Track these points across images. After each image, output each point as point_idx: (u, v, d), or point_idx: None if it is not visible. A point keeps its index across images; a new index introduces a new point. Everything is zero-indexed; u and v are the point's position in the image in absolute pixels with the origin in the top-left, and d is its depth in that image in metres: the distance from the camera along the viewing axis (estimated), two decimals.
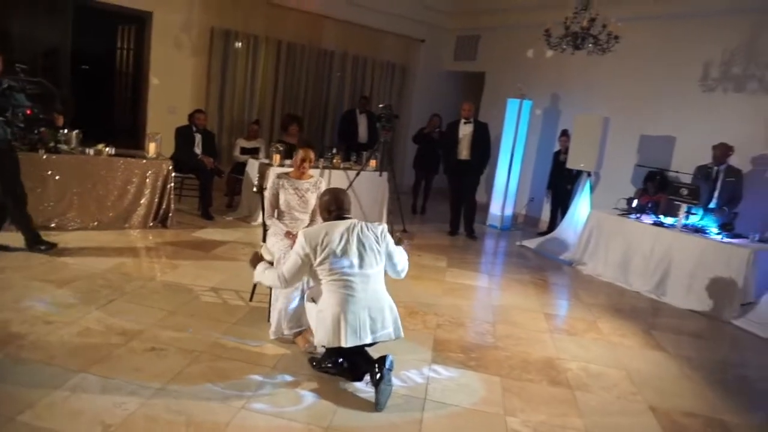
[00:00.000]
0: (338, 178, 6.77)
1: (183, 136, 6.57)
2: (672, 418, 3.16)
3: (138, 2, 7.37)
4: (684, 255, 5.51)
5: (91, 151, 5.39)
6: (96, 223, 5.36)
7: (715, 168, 5.96)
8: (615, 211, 6.42)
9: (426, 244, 6.64)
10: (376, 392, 2.82)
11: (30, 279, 3.93)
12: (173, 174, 5.80)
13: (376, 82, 9.82)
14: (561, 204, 7.81)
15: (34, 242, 4.49)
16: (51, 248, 4.52)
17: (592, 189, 7.19)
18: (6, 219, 4.56)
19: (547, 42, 6.36)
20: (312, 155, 3.91)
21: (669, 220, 5.90)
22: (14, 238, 4.53)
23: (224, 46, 8.05)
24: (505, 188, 8.24)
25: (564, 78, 8.44)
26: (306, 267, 2.93)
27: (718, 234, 5.47)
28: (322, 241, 2.86)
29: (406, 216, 7.46)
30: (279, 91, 8.72)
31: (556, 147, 8.12)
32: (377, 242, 2.98)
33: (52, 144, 5.12)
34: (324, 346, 3.01)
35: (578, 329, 4.45)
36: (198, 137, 6.63)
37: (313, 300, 3.04)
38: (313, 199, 3.87)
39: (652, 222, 5.95)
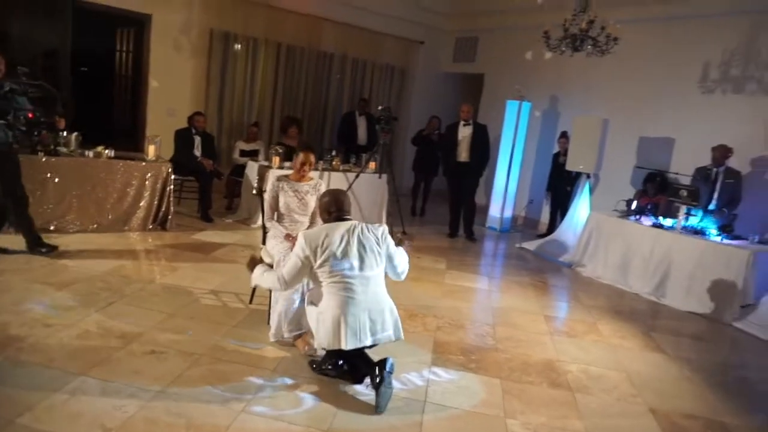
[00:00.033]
0: (338, 180, 6.77)
1: (182, 138, 6.57)
2: (672, 420, 3.16)
3: (137, 4, 7.37)
4: (683, 257, 5.51)
5: (91, 154, 5.38)
6: (95, 226, 5.36)
7: (715, 169, 5.97)
8: (614, 213, 6.42)
9: (425, 246, 6.64)
10: (377, 395, 2.81)
11: (29, 281, 3.92)
12: (173, 176, 5.79)
13: (376, 85, 9.82)
14: (560, 206, 7.82)
15: (35, 245, 4.49)
16: (52, 251, 4.52)
17: (591, 191, 7.19)
18: (6, 221, 4.56)
19: (546, 44, 6.37)
20: (312, 159, 3.91)
21: (668, 222, 5.90)
22: (14, 240, 4.53)
23: (224, 49, 8.06)
24: (505, 190, 8.24)
25: (563, 80, 8.45)
26: (306, 269, 2.92)
27: (718, 235, 5.47)
28: (323, 243, 2.85)
29: (405, 218, 7.46)
30: (278, 94, 8.73)
31: (556, 149, 8.12)
32: (378, 244, 2.97)
33: (51, 146, 5.12)
34: (324, 349, 3.01)
35: (578, 331, 4.45)
36: (197, 139, 6.63)
37: (313, 303, 3.04)
38: (312, 202, 3.87)
39: (651, 224, 5.95)
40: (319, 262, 2.86)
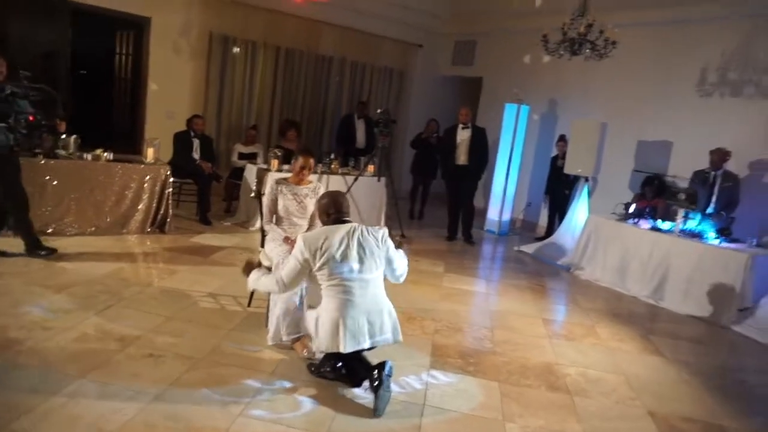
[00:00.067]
0: (336, 184, 6.77)
1: (181, 141, 6.57)
2: (671, 423, 3.16)
3: (136, 7, 7.38)
4: (682, 260, 5.51)
5: (89, 156, 5.38)
6: (94, 229, 5.35)
7: (713, 173, 5.98)
8: (613, 216, 6.43)
9: (424, 249, 6.64)
10: (375, 398, 2.81)
11: (28, 284, 3.92)
12: (171, 179, 5.79)
13: (374, 88, 9.83)
14: (559, 209, 7.83)
15: (35, 247, 4.49)
16: (51, 253, 4.51)
17: (589, 194, 7.20)
18: (5, 224, 4.56)
19: (544, 47, 6.39)
20: (312, 163, 3.91)
21: (666, 225, 5.91)
22: (12, 243, 4.52)
23: (223, 52, 8.07)
24: (503, 193, 8.25)
25: (561, 83, 8.46)
26: (305, 272, 2.92)
27: (716, 239, 5.48)
28: (322, 246, 2.85)
29: (404, 221, 7.46)
30: (277, 97, 8.73)
31: (554, 152, 8.14)
32: (377, 246, 2.97)
33: (50, 149, 5.12)
34: (322, 352, 3.00)
35: (576, 334, 4.45)
36: (196, 142, 6.64)
37: (311, 305, 3.04)
38: (311, 205, 3.86)
39: (649, 227, 5.96)
40: (318, 264, 2.86)
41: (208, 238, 5.84)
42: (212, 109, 8.14)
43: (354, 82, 9.58)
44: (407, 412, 2.91)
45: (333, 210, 3.05)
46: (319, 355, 3.12)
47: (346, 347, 2.80)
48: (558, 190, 7.84)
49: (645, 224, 6.04)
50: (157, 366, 3.01)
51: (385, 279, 3.10)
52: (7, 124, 4.10)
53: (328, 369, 3.06)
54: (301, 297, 3.35)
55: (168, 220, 5.75)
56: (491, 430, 2.85)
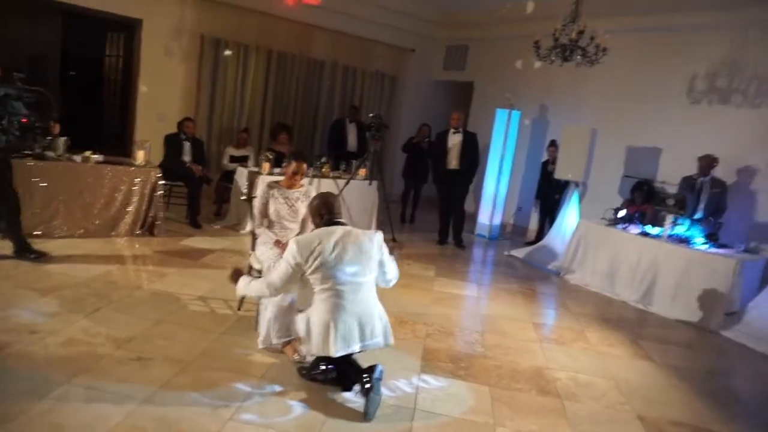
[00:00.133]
0: (328, 187, 6.73)
1: (172, 143, 6.53)
2: (660, 428, 3.18)
3: (128, 9, 7.34)
4: (670, 265, 5.56)
5: (79, 158, 5.34)
6: (82, 231, 5.30)
7: (700, 179, 6.04)
8: (602, 221, 6.47)
9: (415, 253, 6.64)
10: (366, 402, 2.80)
11: (15, 287, 3.87)
12: (161, 182, 5.75)
13: (366, 92, 9.84)
14: (549, 214, 7.87)
15: (24, 250, 4.44)
16: (40, 257, 4.46)
17: (579, 199, 7.25)
18: None
19: (536, 53, 6.43)
20: (305, 168, 3.91)
21: (655, 230, 5.96)
22: (0, 245, 4.47)
23: (214, 54, 8.04)
24: (494, 198, 8.29)
25: (552, 89, 8.52)
26: (296, 276, 2.90)
27: (704, 244, 5.53)
28: (314, 250, 2.83)
29: (395, 225, 7.46)
30: (269, 100, 8.72)
31: (544, 157, 8.18)
32: (372, 250, 2.95)
33: (38, 150, 5.08)
34: (313, 355, 2.99)
35: (566, 339, 4.47)
36: (187, 145, 6.60)
37: (302, 308, 3.03)
38: (303, 208, 3.85)
39: (638, 232, 6.01)
40: (311, 268, 2.84)
41: (198, 241, 5.80)
42: (203, 112, 8.11)
43: (346, 86, 9.58)
44: (398, 416, 2.90)
45: (325, 211, 3.03)
46: (310, 359, 3.11)
47: (336, 350, 2.79)
48: (548, 195, 7.88)
49: (634, 229, 6.08)
50: (146, 369, 2.98)
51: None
52: (0, 126, 4.07)
53: (318, 372, 3.05)
54: (293, 299, 3.33)
55: (158, 222, 5.71)
56: None
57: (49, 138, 5.18)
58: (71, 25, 7.45)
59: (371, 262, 2.94)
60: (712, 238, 5.58)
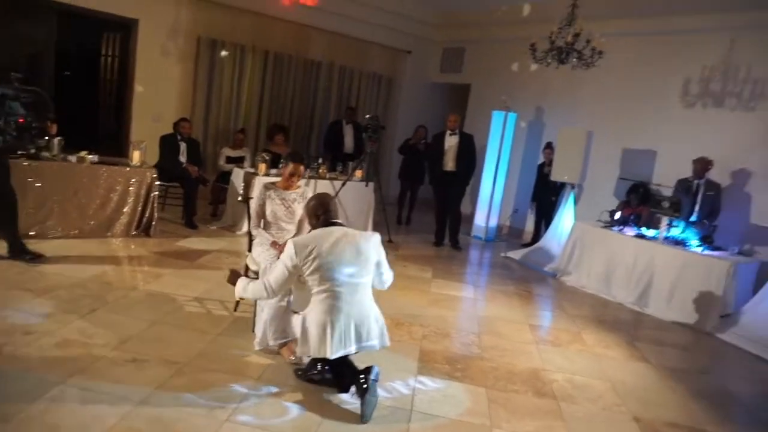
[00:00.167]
0: (324, 188, 6.74)
1: (167, 144, 6.52)
2: (656, 429, 3.19)
3: (124, 9, 7.32)
4: (666, 267, 5.58)
5: (74, 159, 5.31)
6: (77, 232, 5.27)
7: (696, 181, 6.07)
8: (598, 223, 6.49)
9: (411, 255, 6.64)
10: (362, 403, 2.80)
11: (9, 288, 3.84)
12: (157, 182, 5.74)
13: (363, 93, 9.85)
14: (545, 215, 7.88)
15: (20, 251, 4.41)
16: (36, 259, 4.42)
17: (575, 201, 7.26)
18: None
19: (532, 56, 6.45)
20: (302, 170, 3.91)
21: (651, 233, 5.98)
22: None
23: (211, 55, 8.03)
24: (490, 199, 8.30)
25: (548, 91, 8.54)
26: (293, 277, 2.89)
27: (699, 246, 5.55)
28: (312, 251, 2.81)
29: (391, 226, 7.46)
30: (265, 101, 8.71)
31: (541, 159, 8.20)
32: (369, 252, 2.95)
33: (33, 151, 5.05)
34: (309, 356, 2.98)
35: (563, 340, 4.47)
36: (183, 145, 6.58)
37: (298, 310, 3.02)
38: (299, 210, 3.85)
39: (634, 234, 6.03)
40: (308, 270, 2.83)
41: (194, 242, 5.78)
42: (200, 113, 8.09)
43: (342, 87, 9.58)
44: (394, 417, 2.90)
45: (322, 212, 3.03)
46: (306, 360, 3.10)
47: (332, 351, 2.78)
48: (544, 196, 7.89)
49: (630, 231, 6.10)
50: (142, 371, 2.97)
51: None
52: None
53: (315, 374, 3.04)
54: (289, 302, 3.32)
55: (153, 223, 5.69)
56: None
57: (46, 138, 5.16)
58: (67, 24, 7.42)
59: (368, 263, 2.94)
60: (706, 240, 5.61)
